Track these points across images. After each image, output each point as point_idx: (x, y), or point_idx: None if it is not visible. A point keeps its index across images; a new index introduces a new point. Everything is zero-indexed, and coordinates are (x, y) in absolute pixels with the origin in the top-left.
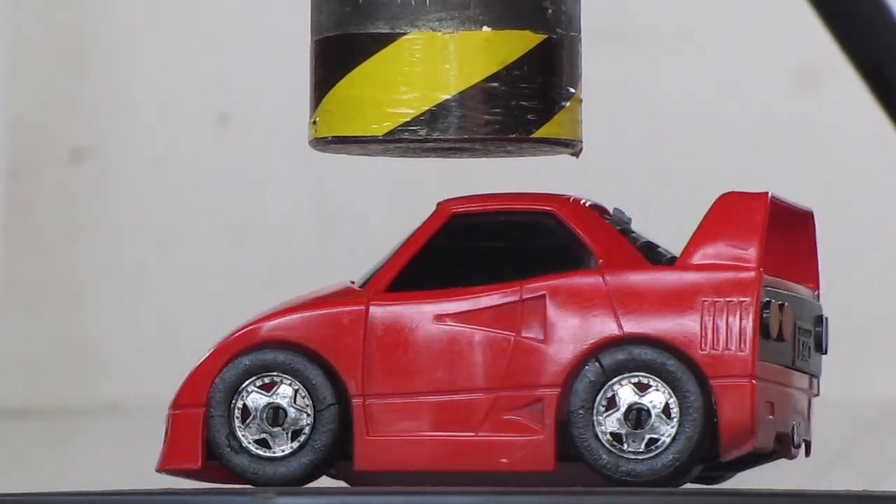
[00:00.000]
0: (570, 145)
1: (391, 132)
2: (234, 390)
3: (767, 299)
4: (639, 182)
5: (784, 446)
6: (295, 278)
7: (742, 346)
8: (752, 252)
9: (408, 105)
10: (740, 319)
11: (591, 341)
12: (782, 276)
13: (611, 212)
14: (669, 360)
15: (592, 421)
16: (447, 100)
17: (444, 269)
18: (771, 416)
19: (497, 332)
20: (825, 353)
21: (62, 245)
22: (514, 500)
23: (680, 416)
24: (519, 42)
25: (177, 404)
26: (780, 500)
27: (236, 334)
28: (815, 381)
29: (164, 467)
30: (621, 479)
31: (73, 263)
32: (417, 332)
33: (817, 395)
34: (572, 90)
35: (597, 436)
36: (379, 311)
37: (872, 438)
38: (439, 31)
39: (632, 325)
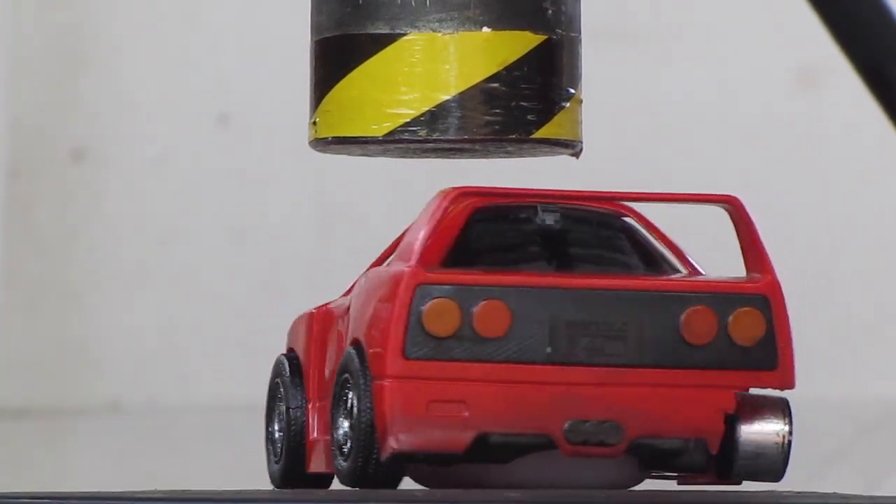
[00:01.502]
0: (571, 146)
1: (391, 133)
2: (273, 395)
3: (438, 296)
4: (639, 182)
5: (560, 443)
6: (295, 278)
7: (385, 344)
8: (416, 248)
9: (408, 105)
10: (388, 318)
11: (343, 345)
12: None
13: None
14: (354, 362)
15: (334, 424)
16: (447, 100)
17: None
18: (466, 415)
19: (342, 334)
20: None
21: (62, 245)
22: None
23: (356, 418)
24: (519, 42)
25: None
26: (778, 501)
27: None
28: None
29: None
30: (341, 481)
31: (73, 263)
32: (325, 334)
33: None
34: (572, 91)
35: (334, 439)
36: (319, 315)
37: (872, 438)
38: (439, 31)
39: (352, 328)
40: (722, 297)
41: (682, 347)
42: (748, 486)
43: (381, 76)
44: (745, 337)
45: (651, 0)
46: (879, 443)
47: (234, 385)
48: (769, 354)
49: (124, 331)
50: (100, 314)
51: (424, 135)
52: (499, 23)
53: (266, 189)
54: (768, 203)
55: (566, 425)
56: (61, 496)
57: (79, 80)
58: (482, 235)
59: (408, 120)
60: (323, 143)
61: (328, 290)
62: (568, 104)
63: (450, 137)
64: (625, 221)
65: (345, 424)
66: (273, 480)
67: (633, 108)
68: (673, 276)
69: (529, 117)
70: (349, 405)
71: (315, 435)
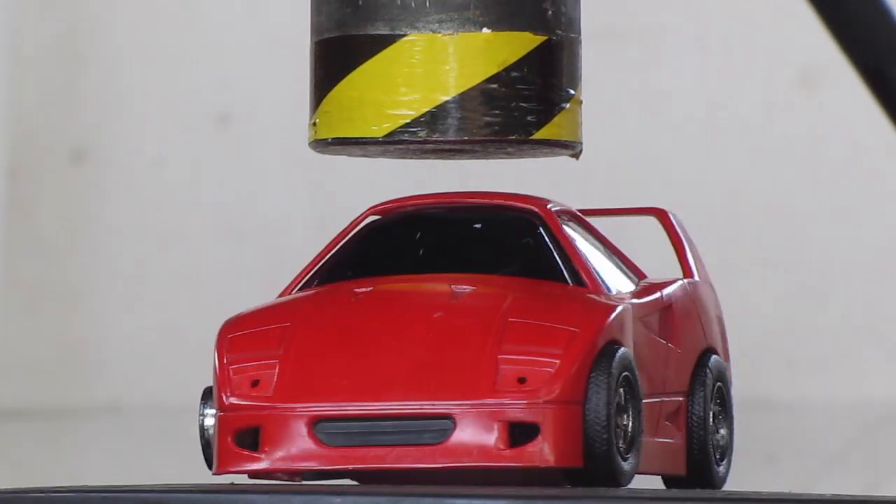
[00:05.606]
0: (570, 147)
1: (391, 134)
2: None
3: None
4: (639, 182)
5: None
6: None
7: None
8: None
9: (408, 107)
10: None
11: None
12: None
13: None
14: None
15: None
16: (447, 101)
17: None
18: None
19: None
20: None
21: (62, 245)
22: None
23: None
24: (519, 43)
25: None
26: (781, 501)
27: None
28: None
29: None
30: None
31: (73, 264)
32: None
33: None
34: (572, 92)
35: None
36: None
37: (872, 439)
38: (439, 32)
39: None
40: None
41: None
42: (750, 486)
43: (381, 77)
44: None
45: (651, 0)
46: (881, 444)
47: None
48: None
49: (124, 331)
50: (100, 314)
51: (424, 136)
52: (499, 24)
53: (266, 189)
54: (768, 203)
55: None
56: (56, 491)
57: (79, 80)
58: None
59: (408, 121)
60: (323, 144)
61: None
62: (568, 105)
63: (450, 138)
64: None
65: None
66: None
67: (633, 108)
68: None
69: (529, 118)
70: None
71: None
